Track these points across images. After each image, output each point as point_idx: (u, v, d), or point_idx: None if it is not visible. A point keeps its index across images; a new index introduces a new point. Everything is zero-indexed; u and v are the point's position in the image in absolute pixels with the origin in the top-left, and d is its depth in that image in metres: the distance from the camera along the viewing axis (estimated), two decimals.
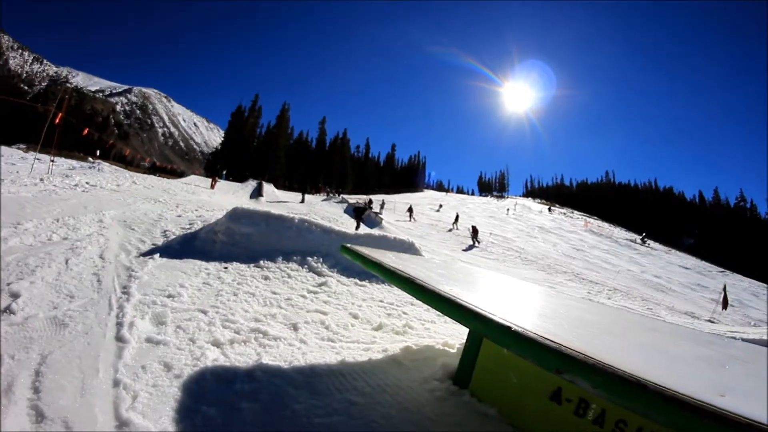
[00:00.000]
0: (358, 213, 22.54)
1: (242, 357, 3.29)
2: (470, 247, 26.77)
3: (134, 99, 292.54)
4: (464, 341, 3.33)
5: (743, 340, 10.46)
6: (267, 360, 3.28)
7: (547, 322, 2.73)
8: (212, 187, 32.35)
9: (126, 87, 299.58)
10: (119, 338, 3.26)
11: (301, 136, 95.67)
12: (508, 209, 60.13)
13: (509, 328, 2.04)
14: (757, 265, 70.27)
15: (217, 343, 3.45)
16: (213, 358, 3.17)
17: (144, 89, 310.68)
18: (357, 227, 18.64)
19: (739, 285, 44.27)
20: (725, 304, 24.74)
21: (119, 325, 3.48)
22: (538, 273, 22.22)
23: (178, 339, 3.41)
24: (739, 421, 1.39)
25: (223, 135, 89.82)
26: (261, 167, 74.72)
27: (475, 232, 29.56)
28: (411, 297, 6.43)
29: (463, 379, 3.22)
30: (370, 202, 39.76)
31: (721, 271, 52.22)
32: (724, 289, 26.53)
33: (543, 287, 11.78)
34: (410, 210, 38.08)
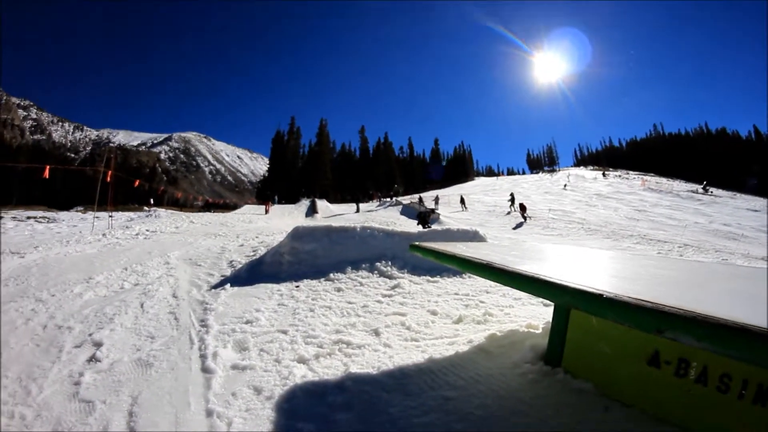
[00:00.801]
0: (423, 218, 21.01)
1: (329, 369, 3.30)
2: (519, 225, 26.64)
3: (176, 145, 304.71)
4: (548, 321, 3.23)
5: None
6: (354, 369, 3.29)
7: (632, 284, 2.60)
8: (266, 212, 33.00)
9: (166, 135, 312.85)
10: (205, 369, 3.34)
11: (343, 148, 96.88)
12: (565, 185, 57.84)
13: (600, 295, 1.94)
14: None
15: (302, 360, 3.47)
16: (301, 375, 3.20)
17: (183, 134, 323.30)
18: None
19: None
20: None
21: (203, 357, 3.57)
22: (604, 241, 21.49)
23: (263, 362, 3.46)
24: None
25: (267, 162, 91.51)
26: (310, 185, 75.92)
27: (523, 209, 29.53)
28: (486, 285, 6.51)
29: (555, 358, 3.12)
30: (420, 200, 39.73)
31: None
32: None
33: (615, 252, 11.39)
34: (462, 200, 37.73)
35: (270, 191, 72.50)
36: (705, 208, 44.98)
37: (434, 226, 11.15)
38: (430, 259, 3.75)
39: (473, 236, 8.87)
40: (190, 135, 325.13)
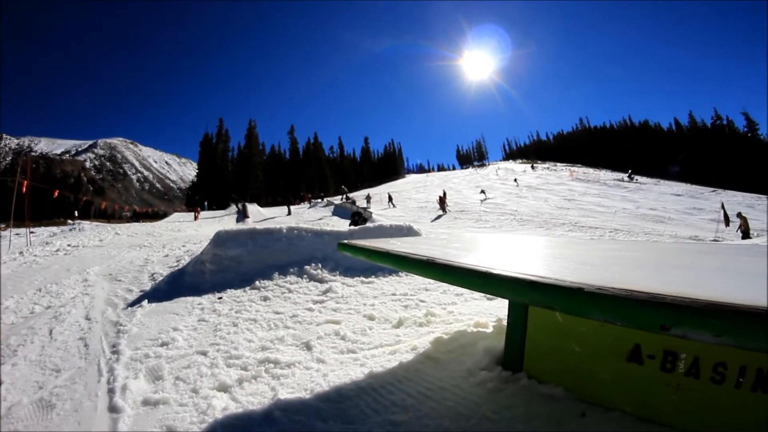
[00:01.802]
0: (357, 218, 20.14)
1: (255, 397, 2.82)
2: (438, 218, 27.69)
3: (101, 152, 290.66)
4: (499, 318, 2.88)
5: None
6: (284, 394, 2.81)
7: (604, 272, 2.24)
8: (195, 219, 32.29)
9: (91, 142, 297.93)
10: (112, 408, 2.81)
11: (273, 150, 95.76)
12: (516, 180, 59.30)
13: (581, 290, 1.51)
14: (746, 178, 71.12)
15: (223, 388, 2.98)
16: (221, 407, 2.70)
17: (109, 140, 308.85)
18: None
19: (733, 200, 44.47)
20: (727, 220, 24.86)
21: (111, 392, 3.03)
22: (536, 230, 22.21)
23: (178, 393, 2.95)
24: None
25: (196, 167, 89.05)
26: (240, 190, 74.16)
27: (441, 201, 31.63)
28: (424, 282, 6.07)
29: (514, 361, 2.78)
30: (348, 198, 40.17)
31: (713, 191, 52.58)
32: (722, 206, 26.58)
33: (562, 239, 11.43)
34: (389, 198, 39.07)
35: (199, 197, 70.51)
36: (631, 194, 48.00)
37: (368, 225, 10.88)
38: (361, 258, 3.32)
39: (408, 231, 8.67)
40: (116, 141, 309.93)
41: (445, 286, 5.86)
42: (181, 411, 2.70)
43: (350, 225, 18.07)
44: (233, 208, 41.48)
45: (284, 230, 7.55)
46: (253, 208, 39.14)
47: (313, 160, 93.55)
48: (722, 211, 25.54)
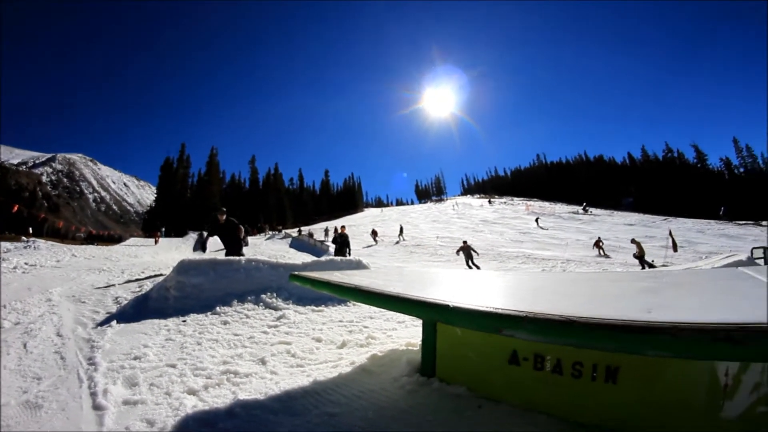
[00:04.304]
0: (341, 247, 19.44)
1: (219, 398, 3.40)
2: (369, 245, 29.58)
3: (59, 167, 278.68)
4: None
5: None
6: (243, 396, 3.41)
7: (481, 295, 3.13)
8: (156, 243, 32.03)
9: (49, 155, 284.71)
10: (97, 407, 3.28)
11: (233, 178, 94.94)
12: (484, 210, 61.08)
13: (447, 306, 2.37)
14: (697, 205, 75.01)
15: (192, 391, 3.54)
16: (191, 405, 3.27)
17: (68, 155, 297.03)
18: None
19: (684, 227, 47.00)
20: (675, 246, 26.42)
21: (93, 394, 3.50)
22: (490, 263, 22.97)
23: (153, 396, 3.48)
24: (660, 326, 1.70)
25: (155, 191, 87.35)
26: (199, 217, 73.10)
27: (374, 233, 36.97)
28: (370, 311, 6.94)
29: (429, 369, 3.47)
30: (301, 232, 41.01)
31: (665, 219, 55.31)
32: (670, 233, 28.21)
33: (477, 271, 12.32)
34: (336, 230, 41.43)
35: (158, 222, 69.01)
36: (585, 226, 49.95)
37: (323, 258, 11.51)
38: (307, 287, 4.02)
39: (357, 265, 9.30)
40: (75, 157, 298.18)
41: (388, 314, 6.52)
42: (158, 408, 3.22)
43: (335, 254, 18.26)
44: (191, 236, 41.17)
45: (243, 262, 8.06)
46: (210, 238, 39.06)
47: (273, 191, 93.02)
48: (670, 238, 27.06)
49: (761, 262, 19.74)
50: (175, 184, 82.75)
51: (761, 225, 48.54)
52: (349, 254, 18.78)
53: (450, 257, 25.79)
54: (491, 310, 2.20)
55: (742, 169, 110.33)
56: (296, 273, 4.26)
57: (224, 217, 11.24)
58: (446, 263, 24.02)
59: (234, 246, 10.93)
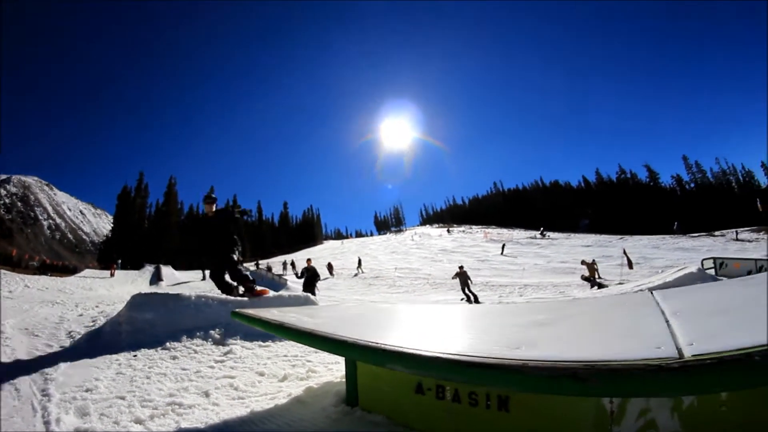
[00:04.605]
0: (309, 281, 19.11)
1: (163, 427, 3.72)
2: (326, 278, 30.98)
3: (14, 189, 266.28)
4: None
5: (649, 289, 11.83)
6: (185, 425, 3.75)
7: (392, 330, 3.74)
8: (112, 275, 31.67)
9: (4, 177, 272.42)
10: None
11: (191, 210, 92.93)
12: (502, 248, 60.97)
13: (345, 341, 2.85)
14: (651, 223, 78.14)
15: (139, 421, 3.85)
16: None
17: (24, 178, 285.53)
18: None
19: (639, 244, 48.68)
20: (630, 264, 27.58)
21: (47, 423, 3.76)
22: (448, 293, 23.38)
23: (103, 424, 3.77)
24: (510, 365, 1.94)
25: (112, 220, 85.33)
26: (156, 249, 71.62)
27: (330, 267, 39.63)
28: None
29: (353, 399, 3.88)
30: (259, 265, 41.54)
31: (620, 238, 57.07)
32: (624, 252, 29.46)
33: (411, 306, 12.76)
34: (293, 264, 41.63)
35: (115, 253, 67.31)
36: (543, 250, 51.06)
37: (282, 292, 11.76)
38: (245, 323, 4.45)
39: (304, 301, 9.49)
40: (30, 180, 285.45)
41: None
42: None
43: (304, 289, 17.86)
44: (147, 269, 40.69)
45: (193, 297, 8.21)
46: (167, 271, 38.90)
47: (231, 224, 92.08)
48: (625, 256, 28.21)
49: (711, 272, 21.01)
50: (132, 213, 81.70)
51: (714, 235, 50.89)
52: (317, 288, 19.09)
53: (408, 288, 26.25)
54: (379, 346, 2.58)
55: (692, 185, 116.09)
56: (237, 310, 4.59)
57: (213, 207, 9.39)
58: (404, 294, 24.45)
59: (225, 253, 9.52)
